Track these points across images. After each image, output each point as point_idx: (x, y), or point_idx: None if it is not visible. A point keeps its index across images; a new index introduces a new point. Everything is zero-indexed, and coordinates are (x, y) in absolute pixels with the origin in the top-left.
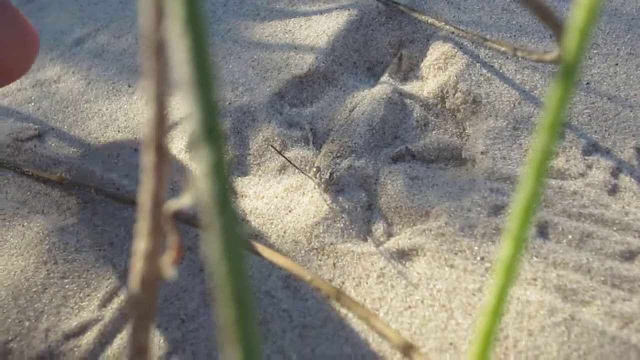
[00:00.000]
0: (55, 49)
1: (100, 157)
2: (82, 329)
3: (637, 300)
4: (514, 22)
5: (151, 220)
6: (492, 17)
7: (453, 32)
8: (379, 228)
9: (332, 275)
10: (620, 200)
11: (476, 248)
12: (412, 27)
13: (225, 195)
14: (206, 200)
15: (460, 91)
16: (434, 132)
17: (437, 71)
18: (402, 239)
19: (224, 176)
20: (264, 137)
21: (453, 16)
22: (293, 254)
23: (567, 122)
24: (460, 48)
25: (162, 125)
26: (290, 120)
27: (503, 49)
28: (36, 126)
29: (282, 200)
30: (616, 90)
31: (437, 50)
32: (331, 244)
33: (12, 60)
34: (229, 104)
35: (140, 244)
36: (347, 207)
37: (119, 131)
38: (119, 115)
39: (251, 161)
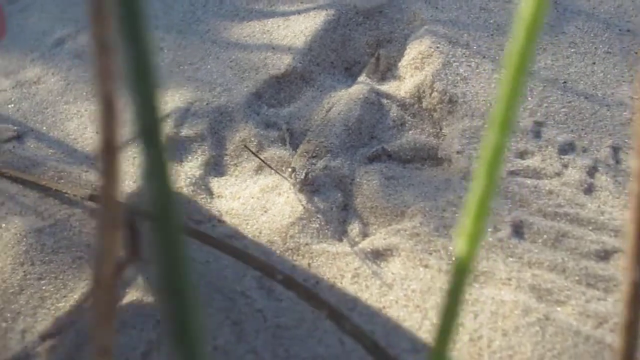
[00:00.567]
0: (35, 50)
1: (79, 158)
2: (59, 330)
3: (612, 300)
4: (491, 21)
5: (107, 220)
6: (470, 16)
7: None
8: (354, 228)
9: (307, 275)
10: (596, 199)
11: (451, 248)
12: (390, 27)
13: (166, 195)
14: (148, 200)
15: (436, 91)
16: (410, 132)
17: (414, 71)
18: (377, 239)
19: (165, 177)
20: (240, 137)
21: (431, 15)
22: (268, 254)
23: (544, 121)
24: (438, 47)
25: (112, 125)
26: (267, 120)
27: None
28: (15, 127)
29: (258, 200)
30: (593, 89)
31: (414, 50)
32: (306, 244)
33: None
34: (207, 104)
35: (98, 244)
36: (322, 207)
37: (97, 132)
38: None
39: (228, 161)
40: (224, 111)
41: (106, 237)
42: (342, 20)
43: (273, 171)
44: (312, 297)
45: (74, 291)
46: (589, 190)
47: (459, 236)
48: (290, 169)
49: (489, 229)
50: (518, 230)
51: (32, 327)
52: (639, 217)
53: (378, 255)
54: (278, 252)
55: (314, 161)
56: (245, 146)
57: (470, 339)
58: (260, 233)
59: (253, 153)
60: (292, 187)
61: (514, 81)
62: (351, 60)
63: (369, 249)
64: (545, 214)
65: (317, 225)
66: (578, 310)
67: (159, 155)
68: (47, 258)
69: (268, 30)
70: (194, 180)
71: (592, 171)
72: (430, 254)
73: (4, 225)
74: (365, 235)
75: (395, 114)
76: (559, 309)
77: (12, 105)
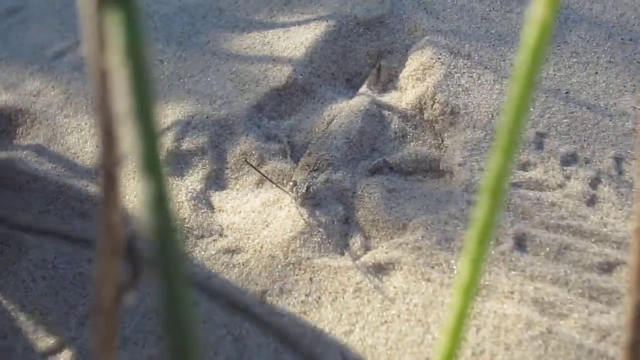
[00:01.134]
0: (35, 63)
1: (79, 172)
2: (60, 347)
3: (615, 313)
4: (492, 31)
5: (107, 246)
6: (471, 27)
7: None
8: (356, 242)
9: (308, 290)
10: (599, 211)
11: (453, 261)
12: (391, 38)
13: (167, 228)
14: (149, 232)
15: (438, 102)
16: (412, 143)
17: (416, 82)
18: (379, 253)
19: (166, 208)
20: (241, 150)
21: (432, 25)
22: (270, 268)
23: (546, 132)
24: (439, 59)
25: (112, 152)
26: (268, 133)
27: None
28: (13, 140)
29: (259, 214)
30: (595, 99)
31: (415, 61)
32: (308, 258)
33: None
34: (207, 117)
35: (99, 269)
36: (324, 221)
37: (98, 146)
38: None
39: (229, 175)
40: (225, 124)
41: (106, 263)
42: (343, 32)
43: (274, 185)
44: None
45: (75, 308)
46: (592, 201)
47: (462, 260)
48: (291, 183)
49: (492, 242)
50: (520, 243)
51: (33, 344)
52: None
53: (380, 269)
54: (280, 266)
55: (315, 174)
56: (246, 161)
57: (472, 354)
58: (261, 247)
59: (256, 169)
60: (293, 201)
61: (520, 106)
62: (352, 72)
63: (370, 263)
64: (547, 226)
65: (319, 239)
66: (581, 324)
67: (160, 188)
68: (48, 274)
69: (268, 42)
70: (194, 195)
71: (594, 182)
72: (433, 267)
73: (5, 241)
74: (367, 248)
75: (396, 126)
76: (561, 322)
77: (12, 118)
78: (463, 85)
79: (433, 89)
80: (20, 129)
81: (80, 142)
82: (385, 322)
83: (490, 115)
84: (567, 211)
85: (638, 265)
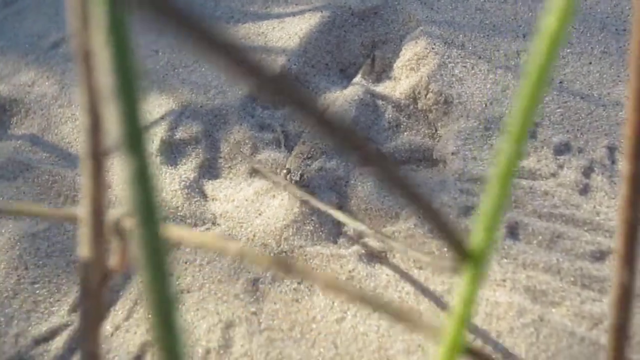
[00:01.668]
0: (30, 53)
1: (73, 162)
2: (52, 334)
3: (607, 301)
4: (487, 22)
5: (92, 228)
6: (466, 17)
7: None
8: (348, 230)
9: (301, 278)
10: (591, 200)
11: (445, 249)
12: (385, 28)
13: (150, 202)
14: (131, 207)
15: (432, 92)
16: (405, 133)
17: (410, 72)
18: (371, 241)
19: (149, 184)
20: (235, 140)
21: (426, 16)
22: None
23: (539, 122)
24: (433, 49)
25: (97, 133)
26: (262, 122)
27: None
28: (7, 130)
29: (253, 203)
30: (589, 89)
31: (409, 51)
32: (300, 246)
33: None
34: (201, 106)
35: (83, 252)
36: (317, 209)
37: (83, 141)
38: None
39: (222, 164)
40: (219, 114)
41: (92, 247)
42: (337, 22)
43: (265, 176)
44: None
45: (68, 295)
46: (585, 190)
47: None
48: (285, 171)
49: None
50: (513, 231)
51: (25, 331)
52: (629, 219)
53: (372, 257)
54: (272, 254)
55: (309, 162)
56: (241, 153)
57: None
58: (254, 236)
59: (255, 170)
60: (285, 188)
61: (534, 93)
62: (346, 62)
63: (363, 251)
64: (540, 215)
65: (312, 228)
66: (573, 311)
67: (143, 163)
68: (40, 262)
69: (263, 32)
70: (188, 183)
71: (587, 172)
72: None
73: None
74: (359, 237)
75: (390, 116)
76: (553, 310)
77: (7, 108)
78: (457, 75)
79: (427, 78)
80: (15, 118)
81: (75, 131)
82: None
83: (484, 105)
84: (559, 200)
85: (623, 245)
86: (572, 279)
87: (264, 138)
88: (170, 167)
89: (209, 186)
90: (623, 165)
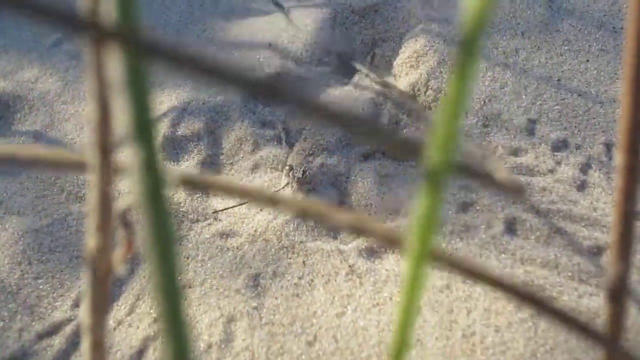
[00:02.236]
0: (33, 51)
1: None
2: (55, 329)
3: (604, 295)
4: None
5: (100, 218)
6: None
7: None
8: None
9: (301, 273)
10: (589, 196)
11: (444, 245)
12: (385, 26)
13: (157, 190)
14: (138, 194)
15: (431, 89)
16: (405, 129)
17: (410, 69)
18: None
19: (157, 171)
20: (237, 136)
21: (426, 14)
22: (263, 252)
23: (537, 119)
24: (432, 46)
25: (106, 125)
26: (263, 119)
27: None
28: (11, 126)
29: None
30: (587, 87)
31: (409, 49)
32: (301, 242)
33: None
34: (203, 103)
35: (90, 242)
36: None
37: (91, 132)
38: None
39: (224, 160)
40: (220, 110)
41: (99, 236)
42: (338, 19)
43: (269, 170)
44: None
45: (71, 290)
46: (582, 187)
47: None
48: (287, 167)
49: (482, 226)
50: (511, 227)
51: (29, 325)
52: (623, 212)
53: (372, 253)
54: (273, 250)
55: (310, 159)
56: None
57: (463, 335)
58: (255, 231)
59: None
60: (289, 185)
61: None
62: (347, 59)
63: (363, 246)
64: (538, 210)
65: (312, 223)
66: (570, 306)
67: (151, 151)
68: (44, 257)
69: (264, 30)
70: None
71: (585, 168)
72: (430, 252)
73: (1, 225)
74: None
75: (390, 112)
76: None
77: (10, 104)
78: None
79: (426, 75)
80: (19, 115)
81: (77, 128)
82: (377, 304)
83: (482, 102)
84: (557, 196)
85: (618, 237)
86: (569, 273)
87: (265, 135)
88: (172, 163)
89: None
90: (618, 157)
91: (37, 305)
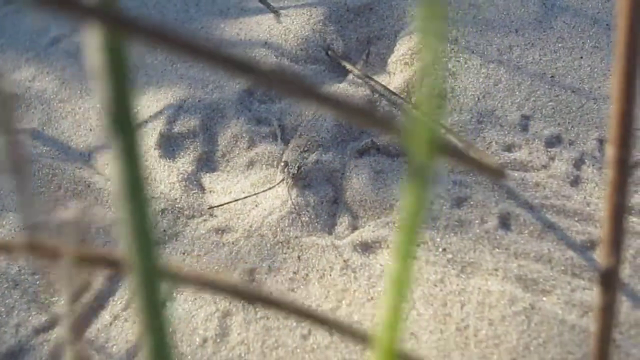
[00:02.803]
0: (30, 50)
1: (73, 156)
2: (52, 324)
3: (597, 289)
4: (480, 17)
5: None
6: (459, 13)
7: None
8: (343, 221)
9: (296, 268)
10: (582, 191)
11: (438, 239)
12: (380, 24)
13: (137, 180)
14: (119, 185)
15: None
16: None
17: (404, 66)
18: (366, 232)
19: (136, 161)
20: (232, 133)
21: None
22: (259, 247)
23: (531, 115)
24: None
25: None
26: (258, 116)
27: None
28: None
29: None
30: (580, 83)
31: (403, 46)
32: (296, 237)
33: None
34: (199, 101)
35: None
36: (312, 201)
37: (91, 130)
38: (92, 114)
39: (220, 157)
40: (216, 108)
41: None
42: (333, 18)
43: (264, 166)
44: None
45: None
46: (576, 182)
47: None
48: (282, 163)
49: (477, 221)
50: (505, 222)
51: (26, 321)
52: (614, 205)
53: (367, 248)
54: (268, 245)
55: (305, 155)
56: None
57: (457, 329)
58: (251, 227)
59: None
60: (284, 181)
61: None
62: (342, 57)
63: (357, 241)
64: (532, 206)
65: (307, 219)
66: (563, 300)
67: (131, 141)
68: None
69: (259, 28)
70: (186, 176)
71: (578, 163)
72: (418, 245)
73: None
74: (354, 228)
75: (384, 109)
76: (544, 298)
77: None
78: (450, 69)
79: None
80: (16, 113)
81: (74, 126)
82: (372, 298)
83: (477, 99)
84: (551, 191)
85: (609, 229)
86: (562, 268)
87: (261, 131)
88: (168, 160)
89: (207, 179)
90: (609, 150)
91: (34, 300)
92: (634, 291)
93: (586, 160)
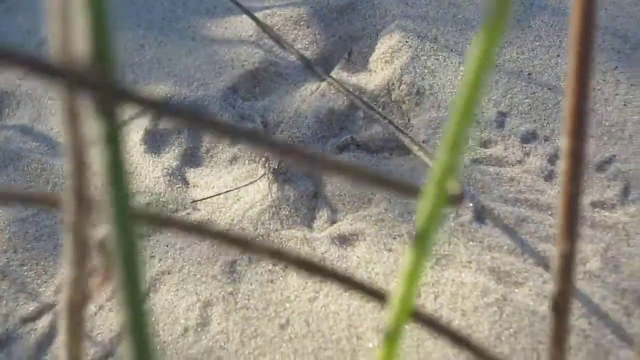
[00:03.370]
0: (21, 48)
1: (61, 151)
2: (39, 314)
3: (553, 279)
4: (460, 16)
5: (75, 252)
6: (439, 12)
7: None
8: (323, 215)
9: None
10: (556, 185)
11: (414, 233)
12: (362, 23)
13: (118, 163)
14: (100, 167)
15: (405, 83)
16: (379, 122)
17: (384, 64)
18: (344, 225)
19: (118, 147)
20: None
21: (401, 11)
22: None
23: (507, 112)
24: (407, 42)
25: (82, 173)
26: (242, 113)
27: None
28: (1, 121)
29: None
30: (557, 81)
31: (384, 45)
32: (276, 230)
33: None
34: (184, 98)
35: (67, 272)
36: (293, 195)
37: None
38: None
39: (203, 153)
40: (201, 104)
41: (75, 268)
42: (317, 17)
43: (246, 162)
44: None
45: (54, 277)
46: (550, 177)
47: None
48: (263, 159)
49: (452, 214)
50: (479, 215)
51: (14, 310)
52: (568, 193)
53: (344, 240)
54: (249, 238)
55: None
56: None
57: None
58: (232, 220)
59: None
60: (265, 176)
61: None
62: (324, 56)
63: (336, 234)
64: (506, 199)
65: (287, 213)
66: (535, 291)
67: (112, 126)
68: (29, 245)
69: (244, 27)
70: (170, 171)
71: (553, 159)
72: (394, 238)
73: None
74: (333, 221)
75: (364, 109)
76: (516, 290)
77: None
78: (429, 67)
79: (400, 71)
80: (7, 110)
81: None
82: (348, 289)
83: (454, 96)
84: (525, 185)
85: (563, 216)
86: (535, 260)
87: (244, 128)
88: (154, 156)
89: (191, 173)
90: (562, 142)
91: (22, 291)
92: (605, 283)
93: (560, 156)
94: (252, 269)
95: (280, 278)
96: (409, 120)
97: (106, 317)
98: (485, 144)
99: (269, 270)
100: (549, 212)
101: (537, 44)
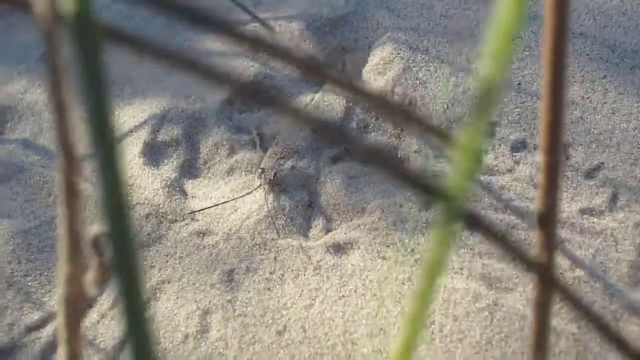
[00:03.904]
0: (22, 63)
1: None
2: (43, 323)
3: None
4: (451, 28)
5: (70, 249)
6: (431, 24)
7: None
8: (318, 225)
9: (273, 269)
10: None
11: (407, 241)
12: (355, 35)
13: (118, 192)
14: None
15: (397, 95)
16: (373, 133)
17: (377, 76)
18: (339, 234)
19: (117, 172)
20: (214, 142)
21: (393, 23)
22: (237, 249)
23: (498, 121)
24: (399, 54)
25: (73, 164)
26: (239, 125)
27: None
28: (2, 135)
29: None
30: None
31: (377, 57)
32: (273, 239)
33: None
34: (182, 111)
35: (62, 269)
36: (289, 205)
37: (79, 140)
38: (81, 125)
39: (201, 165)
40: (198, 117)
41: (70, 265)
42: (311, 30)
43: (243, 173)
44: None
45: (58, 287)
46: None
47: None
48: (260, 170)
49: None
50: (471, 223)
51: (18, 320)
52: (546, 205)
53: (339, 249)
54: (247, 247)
55: (282, 162)
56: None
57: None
58: (230, 230)
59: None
60: (262, 187)
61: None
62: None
63: (331, 243)
64: (496, 208)
65: (284, 222)
66: (525, 297)
67: (111, 152)
68: (33, 257)
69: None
70: (169, 183)
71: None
72: (388, 246)
73: None
74: (328, 230)
75: (359, 117)
76: (507, 295)
77: (1, 115)
78: (421, 78)
79: (393, 82)
80: (9, 124)
81: None
82: (343, 297)
83: (446, 107)
84: (515, 194)
85: (541, 229)
86: (525, 267)
87: (241, 140)
88: (153, 168)
89: (189, 185)
90: (540, 158)
91: (27, 300)
92: (593, 288)
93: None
94: (250, 278)
95: (278, 286)
96: (401, 131)
97: (109, 326)
98: None
99: (266, 278)
100: None
101: (527, 54)
